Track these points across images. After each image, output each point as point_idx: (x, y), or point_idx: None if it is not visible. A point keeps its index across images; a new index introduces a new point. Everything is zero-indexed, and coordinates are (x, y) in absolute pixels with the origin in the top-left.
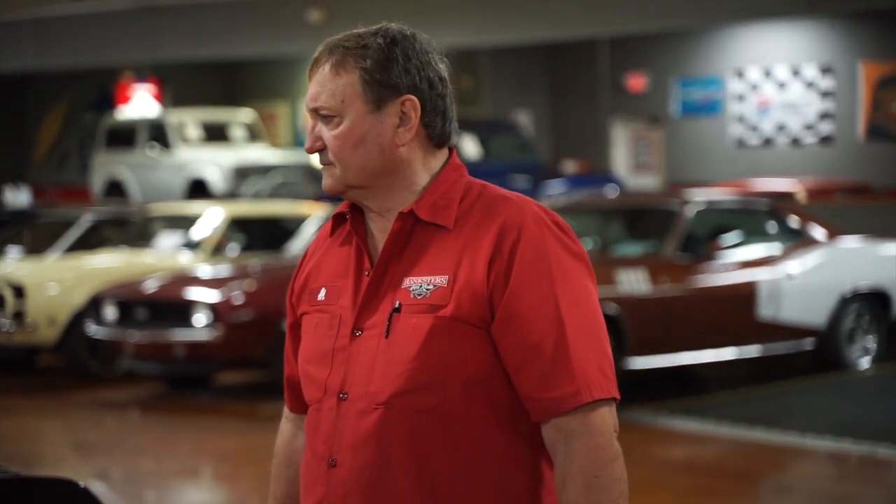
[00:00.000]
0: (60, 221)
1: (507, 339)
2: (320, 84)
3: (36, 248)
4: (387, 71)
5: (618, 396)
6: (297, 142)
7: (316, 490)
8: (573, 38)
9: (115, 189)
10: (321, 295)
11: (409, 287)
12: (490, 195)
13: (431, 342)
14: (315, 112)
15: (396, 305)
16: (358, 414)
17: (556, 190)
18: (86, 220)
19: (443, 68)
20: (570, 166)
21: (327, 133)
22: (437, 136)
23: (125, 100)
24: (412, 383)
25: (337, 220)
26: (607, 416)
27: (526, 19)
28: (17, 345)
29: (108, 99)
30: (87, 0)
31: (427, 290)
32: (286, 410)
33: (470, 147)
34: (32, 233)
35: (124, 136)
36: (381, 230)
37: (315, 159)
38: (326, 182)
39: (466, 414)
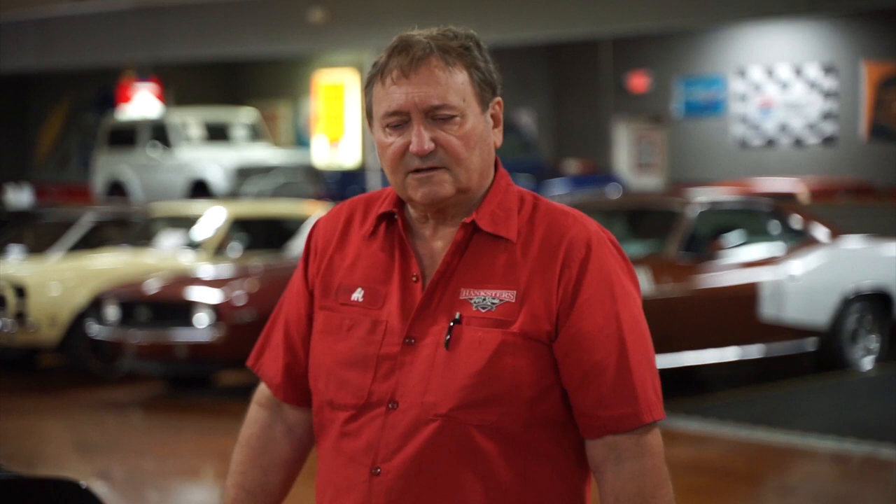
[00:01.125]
0: (62, 221)
1: (571, 357)
2: (436, 83)
3: (38, 247)
4: (490, 72)
5: (665, 417)
6: (298, 141)
7: (351, 497)
8: (575, 37)
9: (117, 189)
10: (357, 295)
11: (471, 299)
12: (547, 208)
13: (498, 357)
14: (424, 113)
15: (457, 317)
16: (411, 424)
17: (558, 190)
18: (87, 220)
19: None
20: (572, 166)
21: (445, 135)
22: (499, 141)
23: (127, 99)
24: (475, 397)
25: (379, 220)
26: (660, 438)
27: (528, 19)
28: (18, 345)
29: (110, 99)
30: (89, 0)
31: (493, 303)
32: (263, 397)
33: None
34: (34, 233)
35: (126, 136)
36: (433, 235)
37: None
38: (435, 189)
39: (523, 429)
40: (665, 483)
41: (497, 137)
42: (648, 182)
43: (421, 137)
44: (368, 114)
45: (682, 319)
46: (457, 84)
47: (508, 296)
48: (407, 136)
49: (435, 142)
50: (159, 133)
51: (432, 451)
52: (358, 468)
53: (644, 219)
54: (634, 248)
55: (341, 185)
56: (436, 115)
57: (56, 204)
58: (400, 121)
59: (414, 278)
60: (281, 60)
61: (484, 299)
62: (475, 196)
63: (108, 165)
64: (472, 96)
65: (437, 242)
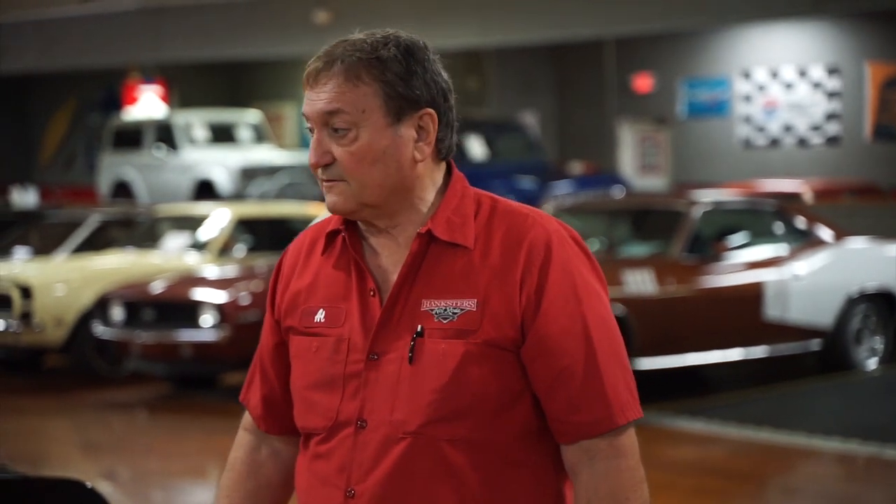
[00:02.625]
0: (68, 222)
1: (539, 362)
2: (334, 93)
3: (43, 248)
4: (408, 84)
5: (642, 415)
6: (303, 143)
7: None
8: (579, 38)
9: (123, 190)
10: (319, 317)
11: (432, 310)
12: (505, 210)
13: (463, 368)
14: (323, 123)
15: (419, 329)
16: (381, 443)
17: (562, 191)
18: (93, 220)
19: (447, 77)
20: (576, 167)
21: (339, 148)
22: (445, 150)
23: (132, 101)
24: (443, 412)
25: (329, 238)
26: (634, 438)
27: (531, 20)
28: (24, 345)
29: (115, 100)
30: (92, 1)
31: (454, 313)
32: (249, 423)
33: (476, 148)
34: (39, 233)
35: (131, 137)
36: (384, 247)
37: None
38: (336, 200)
39: (495, 439)
40: (640, 484)
41: (421, 151)
42: (652, 183)
43: (314, 150)
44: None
45: (686, 320)
46: (356, 95)
47: (469, 304)
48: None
49: (332, 154)
50: (164, 134)
51: (405, 470)
52: (332, 490)
53: (648, 219)
54: (638, 249)
55: None
56: (334, 128)
57: (61, 205)
58: (311, 127)
59: (371, 293)
60: (286, 61)
61: (445, 309)
62: (391, 209)
63: (113, 166)
64: (374, 109)
65: (392, 254)
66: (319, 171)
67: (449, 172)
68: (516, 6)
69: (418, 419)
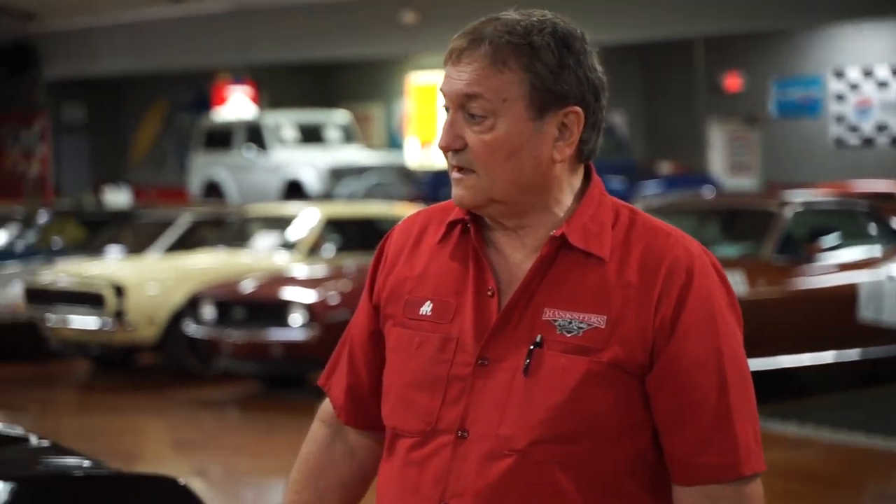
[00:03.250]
0: (160, 222)
1: (665, 392)
2: (476, 75)
3: (136, 248)
4: (558, 77)
5: (766, 468)
6: (391, 143)
7: None
8: (668, 37)
9: (213, 190)
10: (426, 309)
11: (555, 321)
12: (645, 225)
13: (584, 389)
14: (459, 105)
15: (537, 340)
16: (483, 457)
17: (651, 191)
18: (184, 220)
19: (603, 73)
20: (665, 167)
21: (473, 134)
22: (587, 152)
23: (222, 101)
24: (556, 432)
25: (449, 227)
26: (761, 489)
27: (620, 19)
28: (117, 344)
29: (205, 100)
30: (183, 3)
31: (579, 328)
32: (326, 414)
33: None
34: (132, 233)
35: (221, 138)
36: (508, 247)
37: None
38: (463, 193)
39: (606, 467)
40: None
41: (560, 151)
42: (742, 183)
43: (446, 131)
44: None
45: (778, 322)
46: (499, 82)
47: (597, 321)
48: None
49: (464, 140)
50: (254, 135)
51: (507, 488)
52: (424, 502)
53: (738, 220)
54: (729, 250)
55: (433, 185)
56: (471, 113)
57: (153, 204)
58: (446, 105)
59: (489, 292)
60: (373, 62)
61: (570, 322)
62: (521, 208)
63: (204, 167)
64: (517, 99)
65: (516, 254)
66: (449, 154)
67: (587, 176)
68: (604, 5)
69: (528, 436)
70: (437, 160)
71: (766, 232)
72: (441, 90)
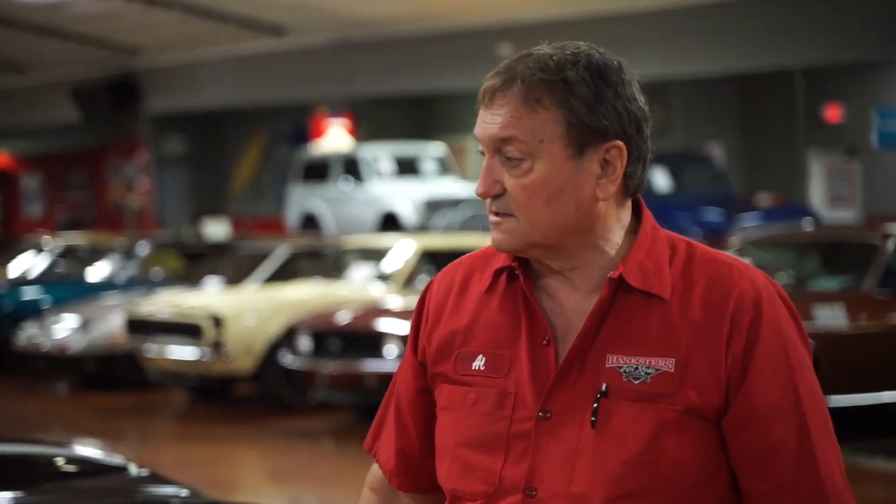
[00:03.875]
0: (258, 253)
1: (743, 435)
2: (510, 117)
3: (234, 279)
4: (595, 111)
5: None
6: None
7: None
8: (767, 68)
9: (311, 222)
10: (478, 364)
11: (620, 368)
12: (704, 257)
13: (659, 438)
14: (495, 150)
15: (603, 389)
16: None
17: (749, 223)
18: (282, 252)
19: (645, 103)
20: (764, 199)
21: (511, 179)
22: (634, 187)
23: (320, 134)
24: (632, 486)
25: (496, 275)
26: None
27: (718, 50)
28: (215, 374)
29: (303, 133)
30: (284, 38)
31: (647, 373)
32: (376, 480)
33: (661, 179)
34: (231, 264)
35: (319, 170)
36: (559, 291)
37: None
38: (503, 238)
39: None
40: None
41: (604, 189)
42: (842, 216)
43: (483, 177)
44: None
45: (880, 356)
46: (534, 122)
47: (666, 364)
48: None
49: (501, 185)
50: (351, 167)
51: None
52: None
53: (839, 253)
54: (829, 283)
55: None
56: (507, 156)
57: (251, 236)
58: (482, 149)
59: (545, 341)
60: (469, 94)
61: (636, 368)
62: (566, 251)
63: (302, 199)
64: (554, 139)
65: (570, 298)
66: (488, 200)
67: (637, 211)
68: (703, 36)
69: (603, 493)
70: None
71: (868, 265)
72: (475, 135)
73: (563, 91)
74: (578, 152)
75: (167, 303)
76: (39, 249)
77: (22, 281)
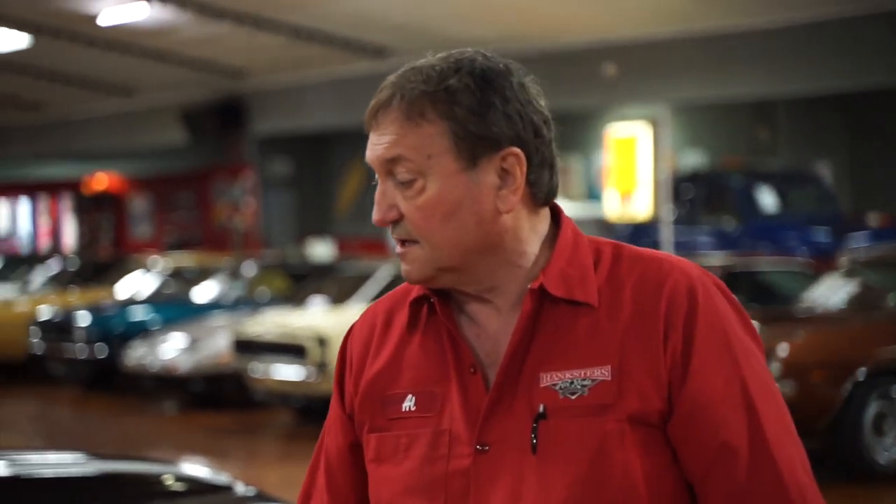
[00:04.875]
0: (361, 274)
1: (691, 438)
2: (394, 136)
3: (338, 298)
4: (483, 120)
5: (825, 502)
6: (590, 195)
7: None
8: (874, 86)
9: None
10: (408, 404)
11: (554, 384)
12: (632, 256)
13: (605, 454)
14: (387, 172)
15: (540, 410)
16: None
17: (858, 243)
18: (385, 272)
19: (545, 106)
20: (873, 219)
21: (405, 201)
22: (544, 194)
23: None
24: None
25: (413, 308)
26: None
27: (825, 69)
28: (320, 394)
29: None
30: (387, 59)
31: (583, 386)
32: None
33: (767, 199)
34: (335, 284)
35: None
36: (480, 314)
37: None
38: (410, 269)
39: None
40: None
41: (505, 201)
42: None
43: (378, 204)
44: None
45: None
46: (420, 137)
47: (602, 373)
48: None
49: (398, 209)
50: None
51: None
52: None
53: None
54: None
55: (633, 237)
56: (398, 179)
57: (354, 257)
58: (378, 175)
59: (472, 370)
60: (572, 114)
61: (571, 382)
62: (478, 271)
63: None
64: (443, 153)
65: (492, 321)
66: (389, 228)
67: (555, 219)
68: (809, 55)
69: None
70: (636, 212)
71: None
72: (367, 160)
73: (446, 101)
74: (471, 164)
75: (272, 323)
76: (148, 270)
77: (131, 301)
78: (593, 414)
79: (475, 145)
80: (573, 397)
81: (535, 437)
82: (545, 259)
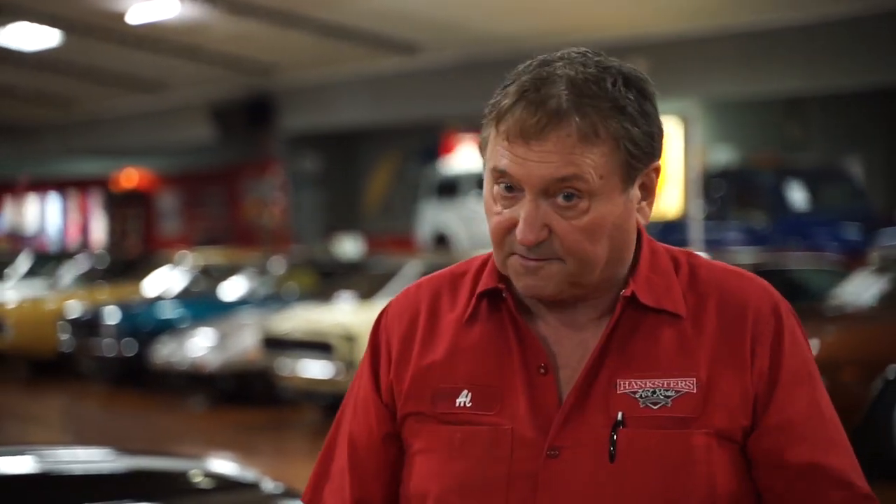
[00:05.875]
0: (389, 271)
1: (773, 456)
2: (568, 154)
3: (366, 295)
4: (648, 135)
5: None
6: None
7: None
8: None
9: (443, 239)
10: (463, 399)
11: (635, 393)
12: (710, 269)
13: (688, 467)
14: (543, 190)
15: (619, 418)
16: None
17: (890, 240)
18: (412, 269)
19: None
20: None
21: (563, 221)
22: None
23: (450, 152)
24: None
25: (480, 298)
26: None
27: (858, 64)
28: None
29: (435, 151)
30: (417, 55)
31: (667, 397)
32: None
33: (798, 196)
34: (363, 280)
35: (450, 188)
36: (563, 316)
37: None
38: (543, 284)
39: None
40: None
41: (643, 214)
42: None
43: (529, 224)
44: (482, 151)
45: None
46: (594, 159)
47: (687, 385)
48: (516, 210)
49: (549, 228)
50: (482, 185)
51: None
52: None
53: None
54: None
55: (662, 235)
56: (556, 194)
57: (383, 253)
58: (511, 184)
59: (541, 370)
60: None
61: (654, 392)
62: (609, 276)
63: (433, 216)
64: (613, 174)
65: (567, 322)
66: (521, 247)
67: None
68: (842, 51)
69: None
70: (665, 209)
71: None
72: (508, 172)
73: (616, 117)
74: (631, 182)
75: (300, 320)
76: (176, 267)
77: (159, 298)
78: (677, 426)
79: (640, 161)
80: (655, 407)
81: (614, 445)
82: (633, 265)
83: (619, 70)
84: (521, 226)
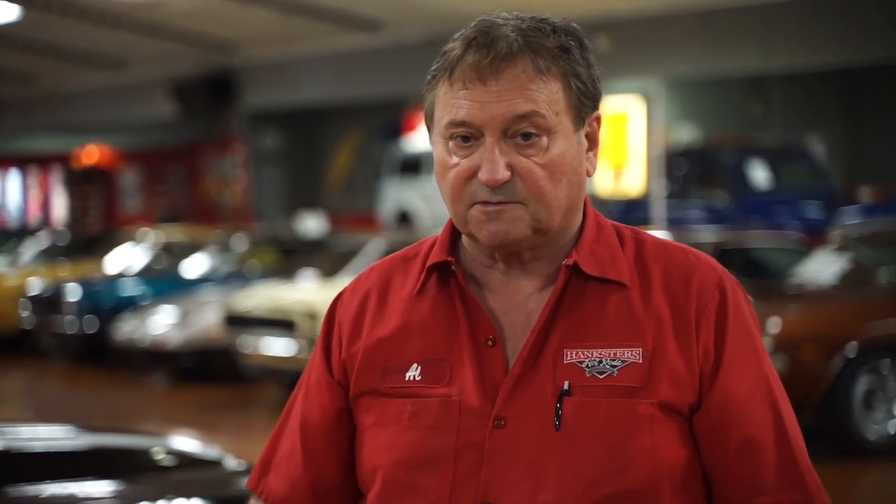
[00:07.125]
0: (351, 249)
1: (718, 431)
2: (525, 89)
3: (328, 273)
4: (592, 79)
5: (831, 502)
6: None
7: None
8: (869, 62)
9: (406, 217)
10: (412, 373)
11: (581, 362)
12: (654, 243)
13: (633, 436)
14: (503, 131)
15: (565, 387)
16: None
17: (851, 219)
18: (375, 247)
19: None
20: (866, 194)
21: (524, 160)
22: None
23: (412, 130)
24: (607, 491)
25: (429, 272)
26: None
27: (819, 44)
28: None
29: (398, 128)
30: (380, 32)
31: (612, 366)
32: None
33: (759, 175)
34: (325, 258)
35: (413, 165)
36: (509, 288)
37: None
38: (506, 228)
39: None
40: None
41: (592, 164)
42: None
43: (494, 163)
44: (428, 118)
45: None
46: (549, 95)
47: (633, 355)
48: (476, 157)
49: (512, 169)
50: None
51: None
52: None
53: None
54: None
55: (625, 213)
56: (516, 134)
57: (345, 231)
58: (468, 134)
59: (489, 342)
60: None
61: (600, 361)
62: (559, 237)
63: (396, 194)
64: (565, 111)
65: (514, 294)
66: (485, 191)
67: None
68: (803, 30)
69: (576, 500)
70: (628, 188)
71: None
72: (466, 120)
73: (565, 59)
74: (580, 124)
75: (263, 297)
76: (137, 244)
77: (121, 275)
78: (623, 395)
79: (585, 104)
80: (602, 377)
81: (559, 415)
82: (577, 235)
83: (554, 22)
84: (485, 166)
